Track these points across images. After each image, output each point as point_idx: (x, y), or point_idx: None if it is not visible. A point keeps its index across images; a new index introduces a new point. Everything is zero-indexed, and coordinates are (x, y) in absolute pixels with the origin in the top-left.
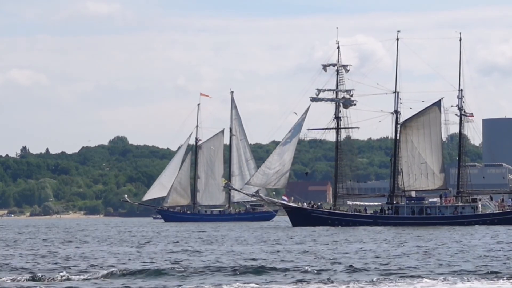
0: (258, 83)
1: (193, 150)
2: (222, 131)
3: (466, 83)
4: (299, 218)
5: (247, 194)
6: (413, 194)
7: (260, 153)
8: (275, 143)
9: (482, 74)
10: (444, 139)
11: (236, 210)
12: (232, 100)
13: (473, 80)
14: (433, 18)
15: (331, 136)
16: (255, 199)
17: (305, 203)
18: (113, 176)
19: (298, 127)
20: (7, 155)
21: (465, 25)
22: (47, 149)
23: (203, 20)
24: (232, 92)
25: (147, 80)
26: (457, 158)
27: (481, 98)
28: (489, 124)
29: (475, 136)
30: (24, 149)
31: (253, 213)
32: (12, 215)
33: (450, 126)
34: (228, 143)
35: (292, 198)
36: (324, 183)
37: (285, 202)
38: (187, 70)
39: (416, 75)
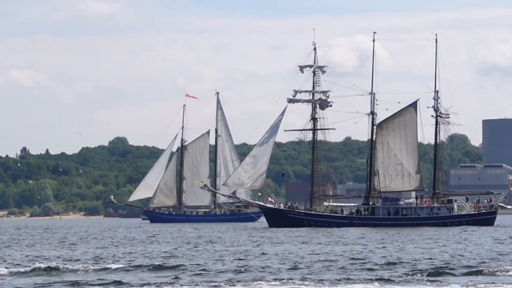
0: (258, 83)
1: (179, 151)
2: (208, 132)
3: (467, 83)
4: (276, 219)
5: (223, 195)
6: (413, 194)
7: None
8: (275, 143)
9: (482, 74)
10: (444, 140)
11: (222, 211)
12: (218, 101)
13: (474, 80)
14: (432, 18)
15: (330, 137)
16: (232, 200)
17: (281, 204)
18: (113, 177)
19: (274, 128)
20: (7, 155)
21: (465, 25)
22: (47, 149)
23: (203, 20)
24: (217, 93)
25: (147, 81)
26: (456, 159)
27: (481, 98)
28: (489, 125)
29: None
30: (24, 149)
31: (238, 214)
32: (12, 216)
33: (450, 126)
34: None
35: (269, 199)
36: (324, 184)
37: (261, 203)
38: (187, 70)
39: (407, 76)
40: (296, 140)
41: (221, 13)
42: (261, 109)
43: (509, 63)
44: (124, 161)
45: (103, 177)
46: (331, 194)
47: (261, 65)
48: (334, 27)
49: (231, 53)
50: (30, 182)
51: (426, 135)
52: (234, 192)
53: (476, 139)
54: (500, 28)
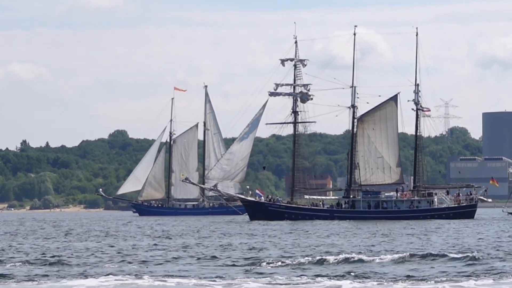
0: (258, 77)
1: (167, 144)
2: (196, 125)
3: (467, 77)
4: (257, 212)
5: (205, 188)
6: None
7: (260, 146)
8: (274, 137)
9: (482, 67)
10: (444, 133)
11: (210, 204)
12: (206, 94)
13: (474, 73)
14: (433, 11)
15: (331, 130)
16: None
17: (262, 197)
18: (113, 170)
19: (255, 122)
20: (7, 148)
21: (465, 18)
22: (47, 142)
23: (202, 13)
24: (206, 86)
25: (146, 74)
26: (456, 152)
27: (481, 91)
28: (489, 118)
29: (431, 131)
30: (24, 142)
31: (227, 207)
32: (12, 209)
33: (450, 120)
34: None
35: (250, 192)
36: (324, 177)
37: (242, 196)
38: (187, 64)
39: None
40: (296, 133)
41: (221, 6)
42: (262, 103)
43: (509, 56)
44: (124, 154)
45: (103, 170)
46: (331, 187)
47: (262, 59)
48: (334, 20)
49: (231, 47)
50: (30, 175)
51: (424, 128)
52: (215, 185)
53: (476, 132)
54: (500, 21)
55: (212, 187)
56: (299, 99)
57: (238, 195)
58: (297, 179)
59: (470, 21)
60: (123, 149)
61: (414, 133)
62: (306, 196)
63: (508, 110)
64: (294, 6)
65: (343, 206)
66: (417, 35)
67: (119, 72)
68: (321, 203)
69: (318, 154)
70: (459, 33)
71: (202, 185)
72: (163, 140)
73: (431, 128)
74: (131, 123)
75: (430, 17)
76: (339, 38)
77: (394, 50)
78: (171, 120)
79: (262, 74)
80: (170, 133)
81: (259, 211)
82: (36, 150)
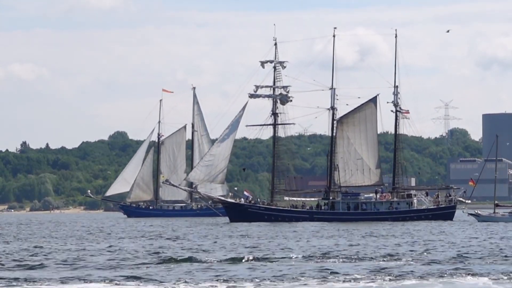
0: (259, 77)
1: (156, 146)
2: (184, 127)
3: (467, 77)
4: (236, 213)
5: (185, 190)
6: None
7: (260, 148)
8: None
9: (482, 68)
10: (444, 134)
11: (198, 206)
12: (194, 96)
13: (474, 73)
14: (432, 11)
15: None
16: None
17: (242, 199)
18: (113, 171)
19: (235, 123)
20: (7, 150)
21: (465, 18)
22: (47, 144)
23: (202, 13)
24: (194, 88)
25: (147, 74)
26: (456, 154)
27: (481, 92)
28: (489, 119)
29: (410, 132)
30: (24, 144)
31: (215, 208)
32: (12, 210)
33: (450, 121)
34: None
35: (231, 193)
36: (324, 178)
37: (222, 198)
38: (187, 64)
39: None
40: (296, 134)
41: (221, 6)
42: (262, 103)
43: (509, 56)
44: (124, 155)
45: (103, 171)
46: None
47: (261, 59)
48: (334, 20)
49: (231, 47)
50: (30, 176)
51: (426, 129)
52: (195, 187)
53: (476, 133)
54: (500, 21)
55: (193, 189)
56: (278, 101)
57: (218, 197)
58: (277, 181)
59: (470, 21)
60: (123, 151)
61: (411, 135)
62: (286, 198)
63: (508, 111)
64: (294, 6)
65: (323, 208)
66: (396, 36)
67: (119, 72)
68: (303, 204)
69: (318, 155)
70: (459, 33)
71: (181, 187)
72: (152, 141)
73: (411, 130)
74: (131, 124)
75: (430, 17)
76: (337, 39)
77: (392, 50)
78: (159, 122)
79: (263, 74)
80: (158, 134)
81: (239, 213)
82: (36, 151)
